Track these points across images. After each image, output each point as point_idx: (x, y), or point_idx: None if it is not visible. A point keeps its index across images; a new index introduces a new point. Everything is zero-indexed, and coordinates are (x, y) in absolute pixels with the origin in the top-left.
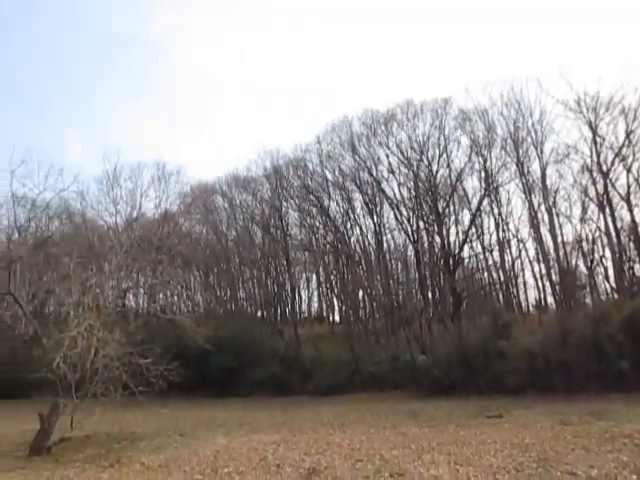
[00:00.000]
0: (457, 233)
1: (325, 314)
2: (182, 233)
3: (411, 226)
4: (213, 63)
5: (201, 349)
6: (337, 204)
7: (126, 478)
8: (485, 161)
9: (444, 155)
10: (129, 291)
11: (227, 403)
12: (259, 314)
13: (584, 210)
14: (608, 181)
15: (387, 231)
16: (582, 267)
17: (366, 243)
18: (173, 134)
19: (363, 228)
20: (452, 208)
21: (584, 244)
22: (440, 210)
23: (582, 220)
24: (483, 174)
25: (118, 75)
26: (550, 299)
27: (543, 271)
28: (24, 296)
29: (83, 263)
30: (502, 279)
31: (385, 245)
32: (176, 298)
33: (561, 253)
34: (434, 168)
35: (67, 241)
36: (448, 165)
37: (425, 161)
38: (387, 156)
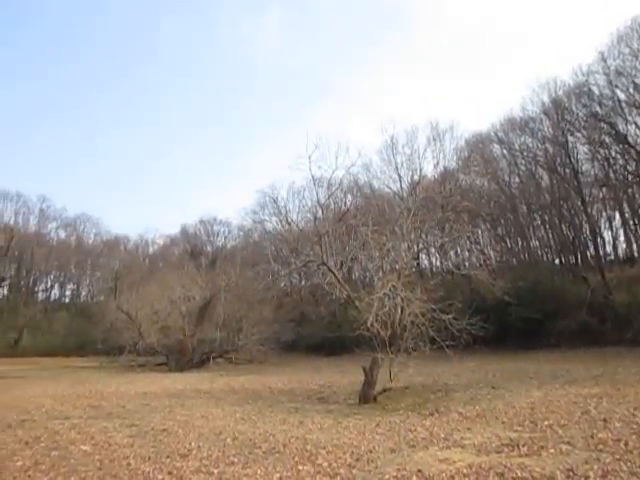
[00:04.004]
0: None
1: (637, 255)
2: (464, 188)
3: None
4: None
5: (499, 302)
6: (636, 126)
7: (447, 426)
8: None
9: None
10: (422, 251)
11: (533, 355)
12: (557, 261)
13: None
14: None
15: None
16: None
17: None
18: (442, 91)
19: None
20: None
21: None
22: None
23: None
24: None
25: (393, 51)
26: None
27: None
28: (334, 265)
29: (378, 230)
30: None
31: None
32: (467, 253)
33: None
34: None
35: (361, 212)
36: None
37: None
38: None
